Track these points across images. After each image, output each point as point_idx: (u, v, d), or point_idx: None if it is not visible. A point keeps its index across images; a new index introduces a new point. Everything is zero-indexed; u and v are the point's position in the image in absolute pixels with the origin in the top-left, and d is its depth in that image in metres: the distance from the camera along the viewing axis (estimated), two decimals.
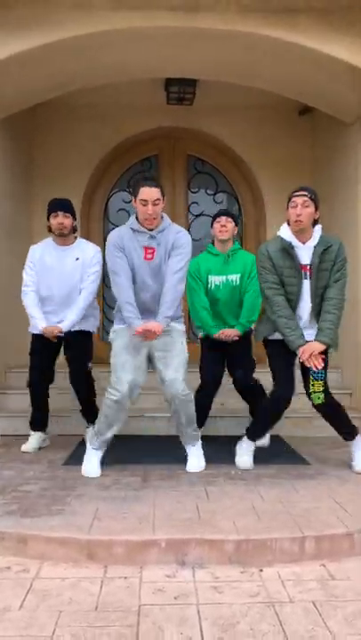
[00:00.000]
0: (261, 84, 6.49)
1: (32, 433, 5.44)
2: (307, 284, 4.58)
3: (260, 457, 4.94)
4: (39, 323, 5.14)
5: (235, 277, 5.30)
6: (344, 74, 5.64)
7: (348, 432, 4.83)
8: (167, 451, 5.10)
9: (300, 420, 5.96)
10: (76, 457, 5.06)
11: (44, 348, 5.26)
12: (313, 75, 5.90)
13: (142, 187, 4.37)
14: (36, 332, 5.25)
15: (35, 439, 5.40)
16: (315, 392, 4.59)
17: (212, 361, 5.33)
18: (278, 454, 5.22)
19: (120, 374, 4.51)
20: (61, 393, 6.00)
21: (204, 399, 5.24)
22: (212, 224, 5.43)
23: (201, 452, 4.82)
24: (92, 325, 5.40)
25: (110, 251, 4.51)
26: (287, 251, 4.53)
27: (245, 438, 4.91)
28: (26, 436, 5.48)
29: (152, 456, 5.07)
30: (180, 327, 4.68)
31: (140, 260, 4.49)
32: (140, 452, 5.23)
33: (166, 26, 5.33)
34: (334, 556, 3.42)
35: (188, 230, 7.74)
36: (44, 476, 4.56)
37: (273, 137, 7.86)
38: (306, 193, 4.50)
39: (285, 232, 4.59)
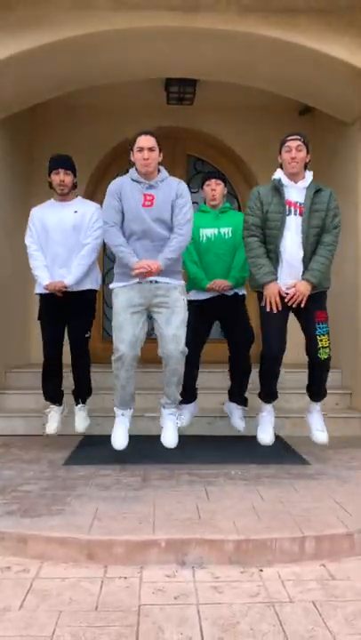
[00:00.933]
0: (261, 84, 6.49)
1: (51, 408, 5.35)
2: (292, 221, 4.68)
3: (259, 457, 4.94)
4: (43, 281, 5.11)
5: (227, 230, 5.35)
6: (344, 74, 5.64)
7: (320, 394, 5.00)
8: (167, 451, 5.09)
9: (300, 420, 5.95)
10: (77, 457, 5.07)
11: (51, 313, 5.24)
12: (313, 75, 5.90)
13: (139, 136, 4.58)
14: (40, 291, 5.24)
15: (54, 418, 5.33)
16: (323, 347, 4.73)
17: (195, 332, 5.08)
18: (278, 454, 5.22)
19: (120, 333, 4.58)
20: None
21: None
22: (201, 186, 5.56)
23: (176, 425, 4.85)
24: (94, 282, 5.35)
25: (107, 199, 4.65)
26: (276, 188, 4.72)
27: (264, 407, 5.02)
28: (25, 436, 5.49)
29: (152, 456, 5.06)
30: (179, 283, 4.71)
31: (138, 206, 4.55)
32: (140, 452, 5.22)
33: (166, 26, 5.33)
34: (334, 556, 3.42)
35: None
36: (44, 475, 4.55)
37: (273, 137, 7.77)
38: (299, 137, 4.80)
39: (278, 174, 4.80)
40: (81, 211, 5.19)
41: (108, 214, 4.62)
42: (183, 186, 4.69)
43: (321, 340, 4.72)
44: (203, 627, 2.66)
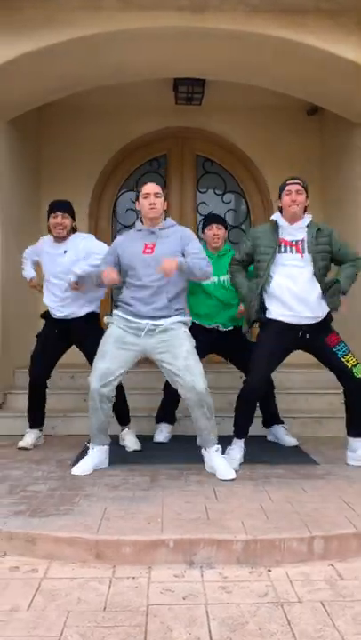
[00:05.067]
0: (269, 84, 6.48)
1: (29, 430, 5.46)
2: (288, 258, 4.65)
3: (268, 457, 4.93)
4: (27, 273, 5.45)
5: (224, 278, 5.37)
6: (352, 73, 5.62)
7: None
8: (175, 451, 5.10)
9: (309, 420, 5.95)
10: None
11: (50, 334, 5.37)
12: (321, 74, 5.88)
13: (144, 184, 4.76)
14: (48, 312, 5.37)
15: (31, 436, 5.42)
16: (353, 366, 4.64)
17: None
18: (286, 454, 5.21)
19: (97, 363, 4.61)
20: (68, 393, 6.02)
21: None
22: (203, 229, 5.65)
23: (222, 456, 4.70)
24: (96, 306, 5.44)
25: (108, 250, 4.92)
26: (273, 228, 4.74)
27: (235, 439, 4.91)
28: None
29: (160, 456, 5.07)
30: (180, 319, 4.64)
31: (139, 254, 4.61)
32: (148, 452, 5.22)
33: (174, 26, 5.33)
34: (343, 556, 3.41)
35: (197, 231, 7.77)
36: (53, 475, 4.56)
37: (281, 137, 7.85)
38: (299, 182, 4.77)
39: (276, 216, 4.80)
40: (71, 250, 5.24)
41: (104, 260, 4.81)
42: (189, 232, 4.80)
43: (348, 361, 4.63)
44: (211, 626, 2.66)
